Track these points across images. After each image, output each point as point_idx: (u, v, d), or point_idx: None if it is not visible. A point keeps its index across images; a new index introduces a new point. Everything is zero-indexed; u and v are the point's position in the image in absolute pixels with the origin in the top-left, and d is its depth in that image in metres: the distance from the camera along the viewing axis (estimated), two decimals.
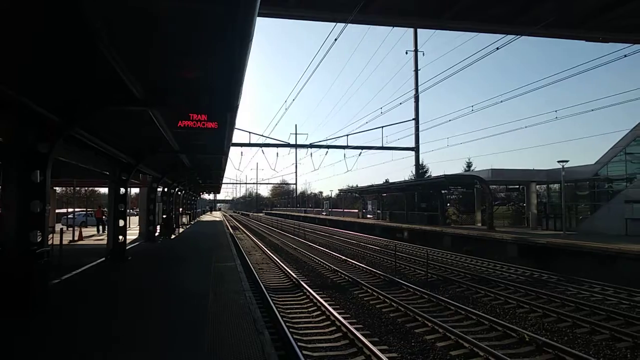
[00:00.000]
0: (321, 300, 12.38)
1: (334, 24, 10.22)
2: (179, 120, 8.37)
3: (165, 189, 29.63)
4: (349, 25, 8.95)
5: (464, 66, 28.97)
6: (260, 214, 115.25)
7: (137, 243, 21.92)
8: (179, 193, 38.07)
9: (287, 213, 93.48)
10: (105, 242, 19.94)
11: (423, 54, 51.97)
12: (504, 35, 11.07)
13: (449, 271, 18.56)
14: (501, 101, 29.44)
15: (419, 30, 44.03)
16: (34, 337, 6.71)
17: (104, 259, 15.07)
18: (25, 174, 8.07)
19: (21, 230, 7.96)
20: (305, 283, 15.13)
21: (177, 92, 8.17)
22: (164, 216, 27.97)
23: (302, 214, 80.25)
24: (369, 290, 14.37)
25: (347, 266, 20.17)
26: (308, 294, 13.59)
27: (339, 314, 11.00)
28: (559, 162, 23.46)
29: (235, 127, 13.03)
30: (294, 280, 15.99)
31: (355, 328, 9.79)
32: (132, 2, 4.72)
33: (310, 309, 12.13)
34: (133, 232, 24.99)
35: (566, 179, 25.38)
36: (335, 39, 11.17)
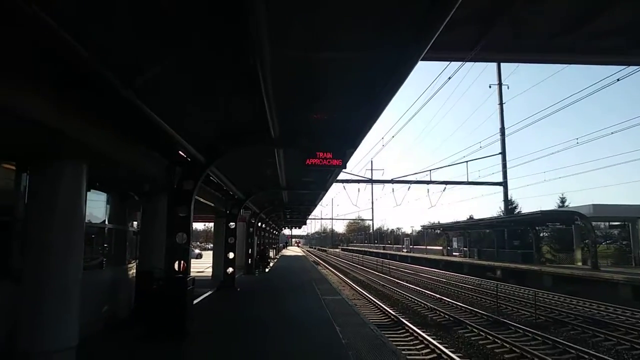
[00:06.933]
0: (429, 338, 12.20)
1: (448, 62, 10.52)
2: (307, 159, 8.91)
3: (259, 224, 30.94)
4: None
5: (572, 101, 27.73)
6: (337, 250, 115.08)
7: (237, 275, 23.00)
8: (267, 228, 39.46)
9: (365, 249, 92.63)
10: (204, 273, 21.22)
11: (508, 88, 50.98)
12: (623, 67, 10.76)
13: (556, 312, 17.46)
14: (612, 133, 27.55)
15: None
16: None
17: (215, 289, 15.99)
18: (172, 208, 8.99)
19: (168, 260, 8.82)
20: (406, 320, 14.95)
21: (306, 133, 8.79)
22: (260, 249, 29.14)
23: (381, 251, 79.15)
24: (474, 329, 13.93)
25: (444, 305, 19.63)
26: (411, 331, 13.41)
27: (452, 352, 10.81)
28: None
29: None
30: (393, 317, 15.85)
31: None
32: (294, 51, 5.26)
33: (418, 347, 11.97)
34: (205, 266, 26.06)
35: None
36: (450, 78, 11.50)
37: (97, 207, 9.92)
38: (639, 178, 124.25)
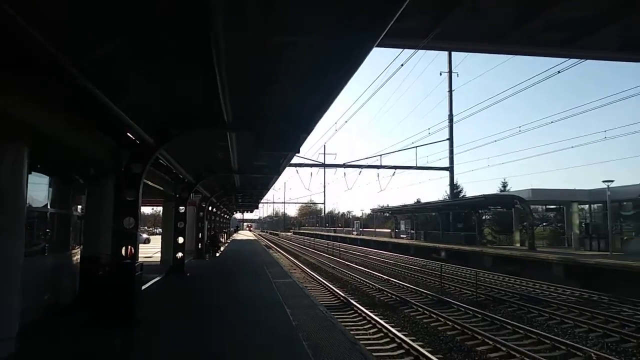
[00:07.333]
0: (376, 318, 12.60)
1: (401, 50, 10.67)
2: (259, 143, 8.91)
3: (210, 208, 30.52)
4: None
5: (515, 92, 28.91)
6: (289, 233, 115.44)
7: (187, 260, 22.68)
8: (218, 212, 38.99)
9: (316, 233, 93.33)
10: (152, 259, 20.80)
11: (457, 75, 52.91)
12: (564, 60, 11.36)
13: (495, 291, 18.50)
14: (552, 122, 29.52)
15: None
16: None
17: (164, 274, 15.72)
18: (119, 192, 8.75)
19: (115, 245, 8.59)
20: (355, 301, 15.35)
21: (260, 117, 8.74)
22: (211, 233, 28.81)
23: (332, 234, 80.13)
24: (419, 309, 14.53)
25: (391, 285, 20.30)
26: (360, 312, 13.80)
27: (398, 331, 11.25)
28: (603, 181, 23.34)
29: None
30: (342, 298, 16.24)
31: (419, 345, 10.04)
32: (251, 33, 5.20)
33: (366, 327, 12.34)
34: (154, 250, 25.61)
35: (610, 199, 25.03)
36: (402, 65, 11.76)
37: (39, 190, 9.46)
38: (578, 164, 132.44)
